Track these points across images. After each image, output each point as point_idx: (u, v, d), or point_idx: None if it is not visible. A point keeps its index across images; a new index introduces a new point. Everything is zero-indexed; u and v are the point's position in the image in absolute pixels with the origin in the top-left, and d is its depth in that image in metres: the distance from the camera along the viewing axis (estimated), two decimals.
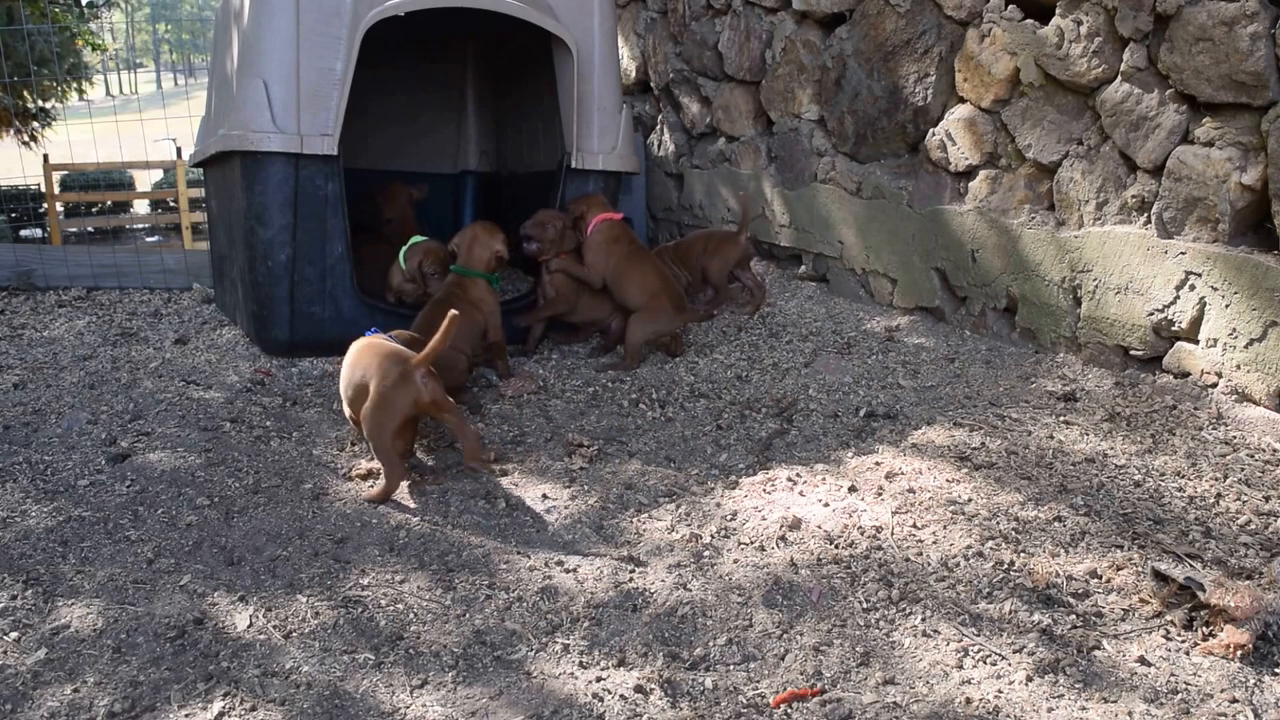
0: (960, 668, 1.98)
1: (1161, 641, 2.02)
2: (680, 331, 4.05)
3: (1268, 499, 2.54)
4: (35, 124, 13.54)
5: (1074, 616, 2.10)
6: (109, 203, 16.73)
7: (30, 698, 2.00)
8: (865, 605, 2.20)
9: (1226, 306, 3.02)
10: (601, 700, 1.95)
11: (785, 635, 2.12)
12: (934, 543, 2.43)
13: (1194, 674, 1.92)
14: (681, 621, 2.20)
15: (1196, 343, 3.15)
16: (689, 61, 5.45)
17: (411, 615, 2.26)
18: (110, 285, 5.57)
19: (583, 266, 4.05)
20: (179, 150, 13.40)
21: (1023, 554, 2.34)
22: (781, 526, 2.54)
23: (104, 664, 2.10)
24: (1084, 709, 1.84)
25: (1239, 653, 1.94)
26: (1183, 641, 2.02)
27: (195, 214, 12.11)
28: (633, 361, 3.94)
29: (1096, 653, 1.99)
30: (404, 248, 4.21)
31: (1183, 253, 3.14)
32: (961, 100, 3.91)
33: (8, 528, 2.70)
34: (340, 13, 3.83)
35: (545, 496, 2.84)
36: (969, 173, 3.93)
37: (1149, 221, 3.28)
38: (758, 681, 1.98)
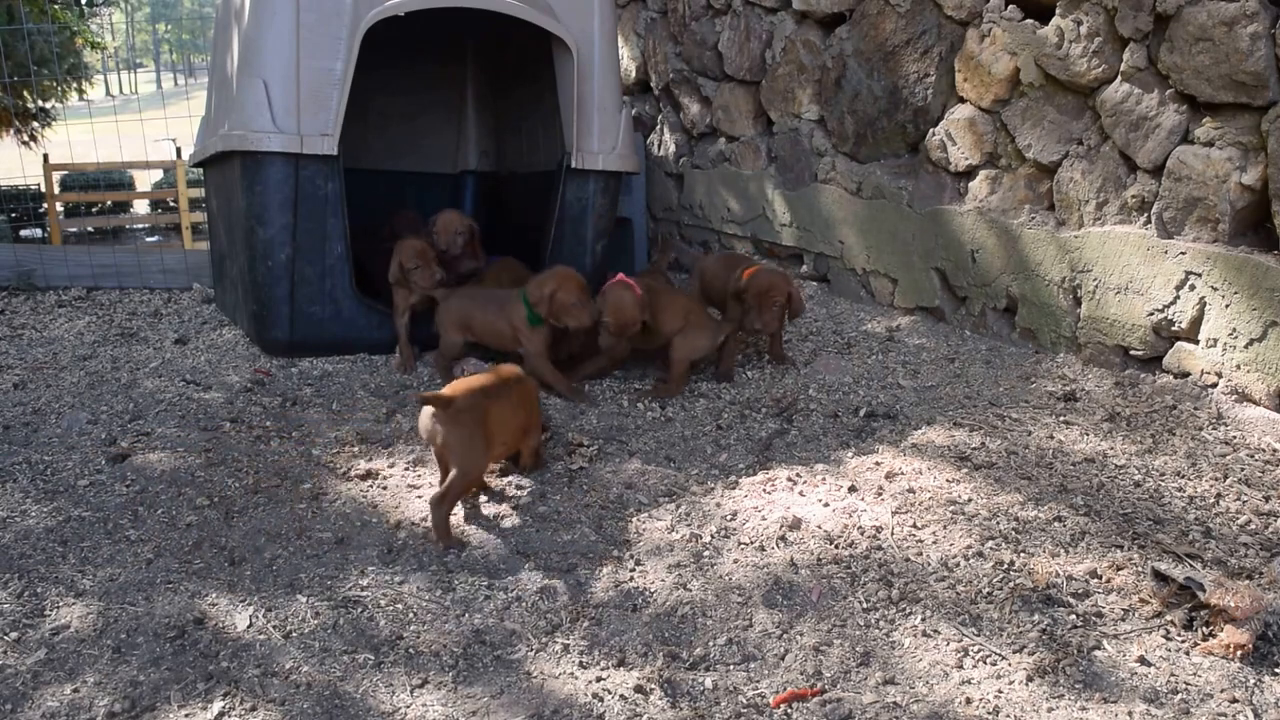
0: (960, 668, 1.98)
1: (1161, 641, 2.02)
2: (719, 349, 3.76)
3: (1268, 499, 2.54)
4: (35, 124, 13.53)
5: (1074, 616, 2.10)
6: (109, 203, 16.72)
7: (30, 698, 2.00)
8: (865, 605, 2.20)
9: (1226, 306, 3.02)
10: (601, 700, 1.95)
11: (785, 635, 2.12)
12: (934, 543, 2.43)
13: (1194, 674, 1.92)
14: (681, 621, 2.20)
15: (1196, 343, 3.15)
16: (689, 61, 5.45)
17: (411, 615, 2.26)
18: (110, 285, 5.57)
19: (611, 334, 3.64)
20: (179, 150, 13.39)
21: (1023, 554, 2.34)
22: (781, 526, 2.54)
23: (104, 664, 2.10)
24: (1084, 709, 1.83)
25: (1239, 653, 1.93)
26: (1183, 641, 2.01)
27: (195, 214, 12.11)
28: (678, 385, 3.64)
29: (1096, 653, 1.99)
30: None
31: (1183, 253, 3.14)
32: (961, 100, 3.91)
33: (7, 528, 2.70)
34: (340, 13, 3.83)
35: (545, 496, 2.84)
36: (969, 173, 3.93)
37: (1149, 221, 3.28)
38: (758, 681, 1.98)
